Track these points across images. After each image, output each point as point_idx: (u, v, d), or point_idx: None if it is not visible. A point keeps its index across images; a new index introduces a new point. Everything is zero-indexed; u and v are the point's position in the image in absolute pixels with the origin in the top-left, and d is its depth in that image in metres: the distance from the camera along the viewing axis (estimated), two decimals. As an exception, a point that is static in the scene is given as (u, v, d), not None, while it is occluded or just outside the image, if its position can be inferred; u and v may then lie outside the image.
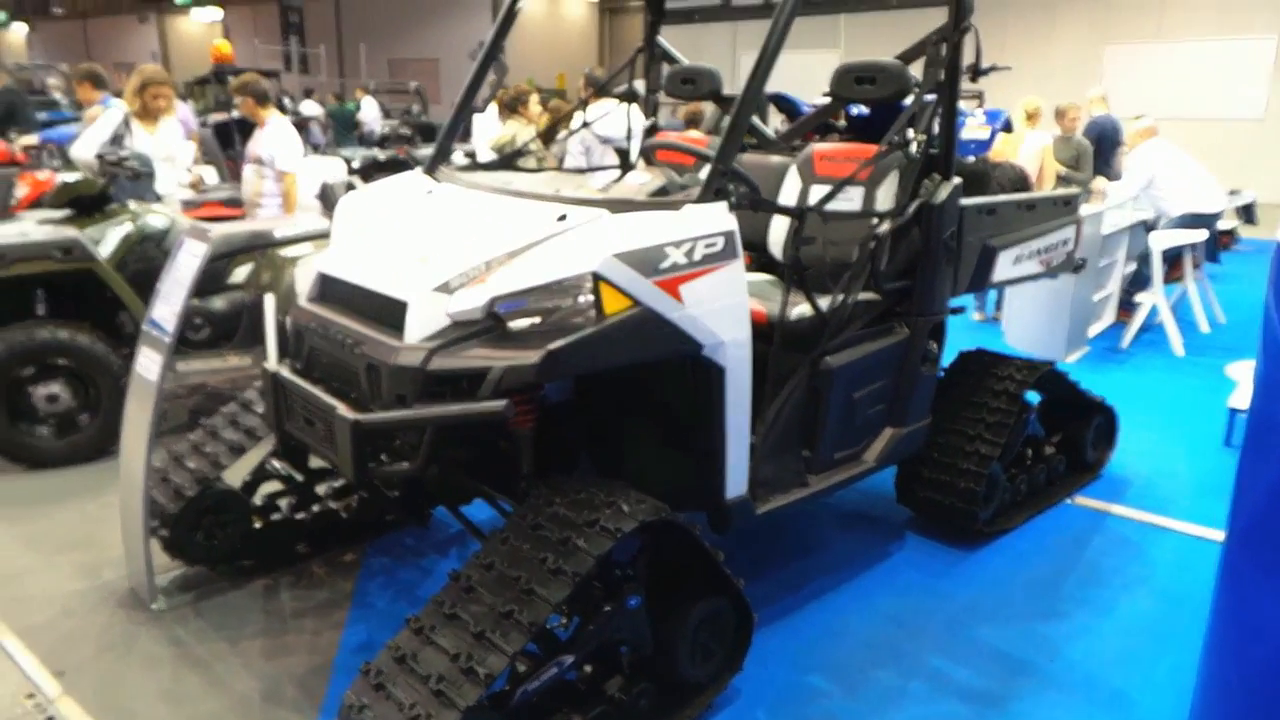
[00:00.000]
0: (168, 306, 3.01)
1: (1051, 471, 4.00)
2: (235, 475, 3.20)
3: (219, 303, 4.74)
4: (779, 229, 3.49)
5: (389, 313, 2.37)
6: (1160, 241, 6.37)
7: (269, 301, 3.11)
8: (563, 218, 2.42)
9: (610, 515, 2.27)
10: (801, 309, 2.90)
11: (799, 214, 2.75)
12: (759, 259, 3.58)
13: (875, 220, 3.05)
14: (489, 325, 2.28)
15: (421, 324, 2.28)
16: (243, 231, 4.96)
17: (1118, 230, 6.46)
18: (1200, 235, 6.47)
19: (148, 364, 3.00)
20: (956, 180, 3.19)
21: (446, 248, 2.45)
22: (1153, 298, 6.44)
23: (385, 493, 2.81)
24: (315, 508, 3.40)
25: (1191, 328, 6.72)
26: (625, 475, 2.65)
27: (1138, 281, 6.88)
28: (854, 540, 3.67)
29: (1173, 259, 6.60)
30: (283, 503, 3.37)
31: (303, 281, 2.88)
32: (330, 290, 2.68)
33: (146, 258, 4.44)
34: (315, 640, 2.89)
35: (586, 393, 2.87)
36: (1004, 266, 3.60)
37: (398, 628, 2.20)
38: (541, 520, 2.31)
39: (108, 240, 4.38)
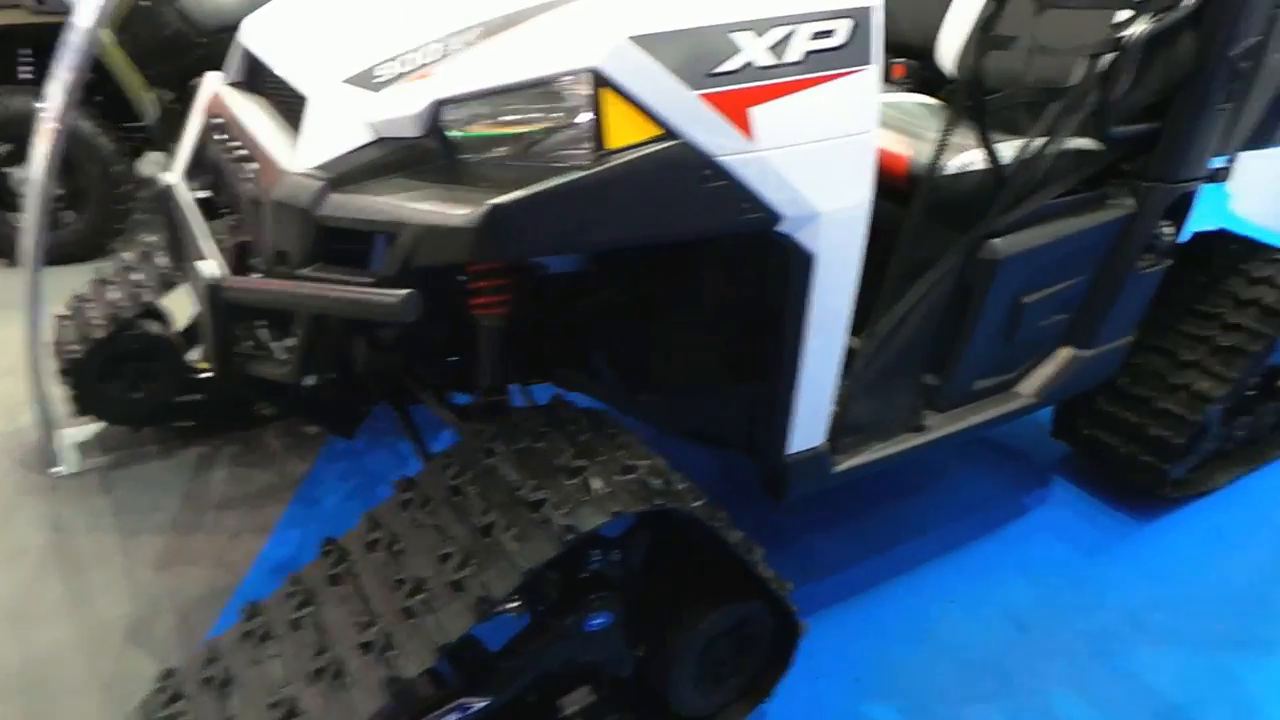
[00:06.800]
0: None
1: (1281, 415, 2.83)
2: (179, 311, 2.49)
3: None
4: (957, 22, 2.31)
5: (295, 116, 1.52)
6: None
7: (207, 81, 2.27)
8: (556, -21, 1.43)
9: (568, 494, 1.38)
10: (968, 156, 1.83)
11: None
12: (916, 72, 2.49)
13: (1124, 15, 1.85)
14: (431, 149, 1.37)
15: (326, 137, 1.40)
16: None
17: None
18: None
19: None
20: (1272, -43, 1.91)
21: (379, 18, 1.57)
22: None
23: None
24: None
25: None
26: (652, 388, 1.88)
27: None
28: (971, 482, 2.66)
29: None
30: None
31: (231, 55, 2.00)
32: (254, 72, 1.86)
33: (156, 23, 3.63)
34: (230, 546, 2.22)
35: (605, 265, 1.94)
36: None
37: (345, 529, 1.51)
38: (464, 482, 1.45)
39: (101, -8, 3.58)
